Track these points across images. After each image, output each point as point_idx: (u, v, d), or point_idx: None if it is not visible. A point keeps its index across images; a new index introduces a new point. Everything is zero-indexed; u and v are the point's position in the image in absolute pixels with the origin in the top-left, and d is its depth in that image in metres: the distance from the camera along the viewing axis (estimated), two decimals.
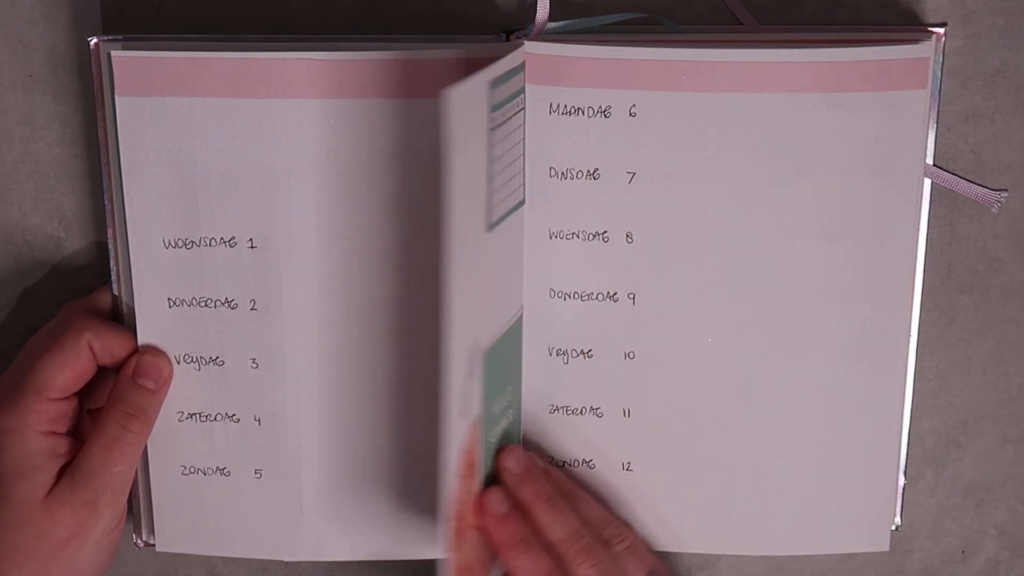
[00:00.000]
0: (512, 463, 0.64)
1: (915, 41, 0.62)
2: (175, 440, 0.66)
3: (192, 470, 0.66)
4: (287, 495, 0.67)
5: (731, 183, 0.62)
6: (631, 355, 0.65)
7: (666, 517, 0.67)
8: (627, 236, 0.63)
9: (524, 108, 0.61)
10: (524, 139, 0.62)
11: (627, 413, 0.66)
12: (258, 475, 0.66)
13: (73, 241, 0.68)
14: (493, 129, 0.58)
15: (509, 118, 0.60)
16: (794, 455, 0.66)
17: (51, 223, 0.68)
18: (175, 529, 0.67)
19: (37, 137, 0.67)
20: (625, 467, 0.67)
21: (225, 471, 0.66)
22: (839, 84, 0.61)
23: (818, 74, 0.60)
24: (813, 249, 0.63)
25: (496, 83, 0.57)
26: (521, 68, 0.60)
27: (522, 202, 0.63)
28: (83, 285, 0.68)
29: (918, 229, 0.65)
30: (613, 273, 0.64)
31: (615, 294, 0.64)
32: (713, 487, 0.67)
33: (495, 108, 0.58)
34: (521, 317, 0.65)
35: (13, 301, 0.68)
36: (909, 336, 0.66)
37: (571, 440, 0.67)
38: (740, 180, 0.62)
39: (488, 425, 0.62)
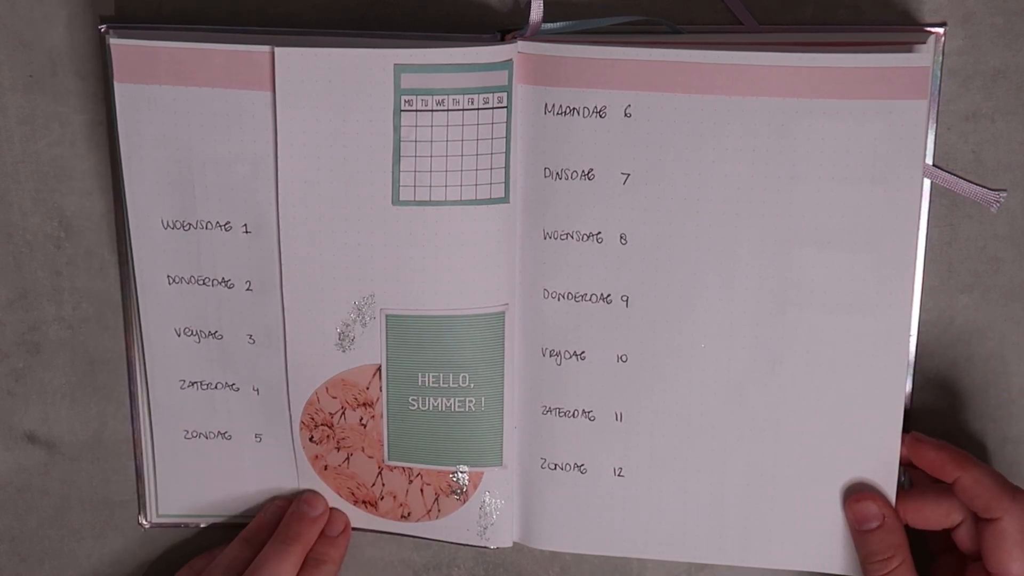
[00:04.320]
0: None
1: (915, 43, 0.62)
2: (177, 406, 0.68)
3: (194, 434, 0.68)
4: (287, 458, 0.68)
5: (726, 187, 0.62)
6: (624, 358, 0.65)
7: (658, 525, 0.67)
8: (621, 237, 0.63)
9: (505, 108, 0.62)
10: (508, 139, 0.62)
11: (619, 417, 0.66)
12: (258, 439, 0.68)
13: (73, 241, 0.68)
14: (403, 111, 0.61)
15: (436, 110, 0.61)
16: (789, 466, 0.65)
17: (51, 223, 0.68)
18: (178, 492, 0.70)
19: (37, 137, 0.67)
20: (617, 472, 0.66)
21: (226, 435, 0.68)
22: (837, 90, 0.60)
23: (815, 79, 0.60)
24: (809, 257, 0.63)
25: (407, 69, 0.60)
26: (454, 68, 0.60)
27: (501, 199, 0.63)
28: (83, 285, 0.68)
29: (917, 238, 0.64)
30: (607, 275, 0.64)
31: (608, 296, 0.64)
32: (706, 496, 0.66)
33: (407, 92, 0.60)
34: (501, 316, 0.65)
35: (13, 301, 0.69)
36: (909, 347, 0.66)
37: (563, 442, 0.66)
38: (735, 184, 0.62)
39: (405, 385, 0.65)
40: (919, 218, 0.63)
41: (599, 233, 0.63)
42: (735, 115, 0.61)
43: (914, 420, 0.68)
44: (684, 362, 0.64)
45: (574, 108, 0.61)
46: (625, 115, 0.61)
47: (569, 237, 0.64)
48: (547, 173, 0.63)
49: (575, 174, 0.63)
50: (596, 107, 0.61)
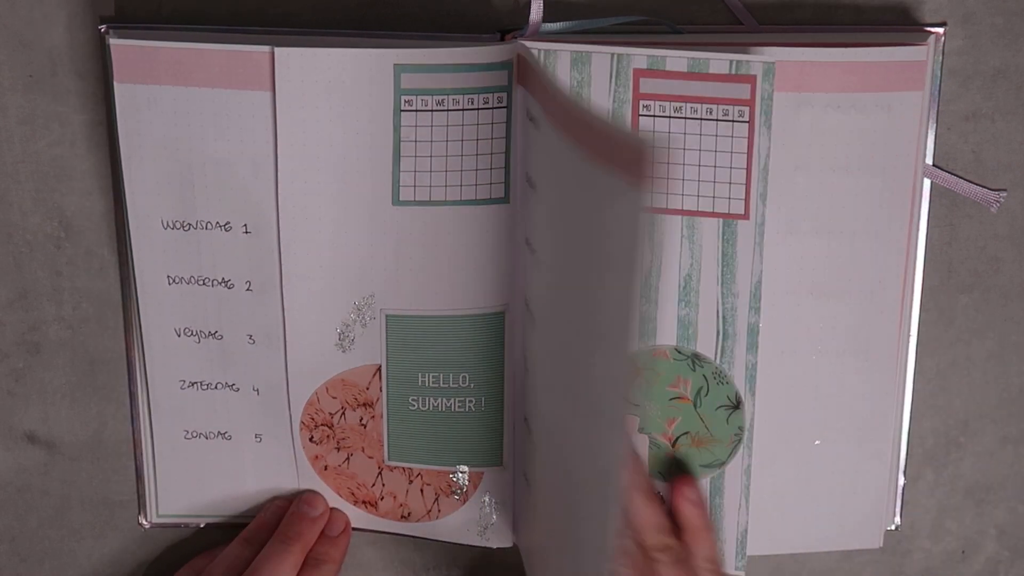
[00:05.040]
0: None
1: (915, 43, 0.62)
2: (177, 406, 0.68)
3: (194, 434, 0.68)
4: (287, 458, 0.68)
5: None
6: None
7: None
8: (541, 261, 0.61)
9: (505, 108, 0.61)
10: (508, 140, 0.62)
11: None
12: (258, 439, 0.68)
13: (73, 241, 0.68)
14: (403, 111, 0.60)
15: (436, 110, 0.60)
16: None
17: (51, 223, 0.68)
18: (178, 492, 0.70)
19: (37, 137, 0.67)
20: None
21: (226, 435, 0.68)
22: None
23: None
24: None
25: (407, 69, 0.59)
26: (454, 68, 0.60)
27: (501, 199, 0.63)
28: (83, 285, 0.68)
29: (914, 227, 0.64)
30: (537, 296, 0.62)
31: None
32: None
33: (407, 92, 0.60)
34: (501, 315, 0.64)
35: (13, 301, 0.69)
36: (907, 334, 0.66)
37: (531, 454, 0.65)
38: None
39: (405, 385, 0.65)
40: (915, 206, 0.64)
41: (538, 252, 0.61)
42: None
43: (915, 419, 0.68)
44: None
45: (533, 117, 0.60)
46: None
47: (533, 249, 0.62)
48: (527, 178, 0.62)
49: (535, 184, 0.61)
50: (532, 116, 0.60)
